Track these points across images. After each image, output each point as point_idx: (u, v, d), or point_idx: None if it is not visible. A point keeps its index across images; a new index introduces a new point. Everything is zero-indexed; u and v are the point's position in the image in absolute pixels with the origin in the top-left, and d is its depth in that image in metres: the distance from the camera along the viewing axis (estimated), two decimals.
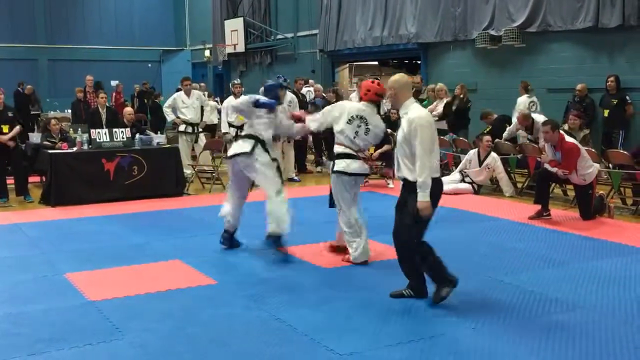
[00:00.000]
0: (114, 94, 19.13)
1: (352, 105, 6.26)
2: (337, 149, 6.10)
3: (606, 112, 10.95)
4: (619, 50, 11.41)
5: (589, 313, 4.85)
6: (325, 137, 12.69)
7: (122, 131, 10.08)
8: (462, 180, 10.24)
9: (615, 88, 10.84)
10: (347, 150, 6.05)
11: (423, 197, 4.77)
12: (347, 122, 6.01)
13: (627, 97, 10.82)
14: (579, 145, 8.13)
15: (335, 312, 4.90)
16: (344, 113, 6.05)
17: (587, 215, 8.10)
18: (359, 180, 6.28)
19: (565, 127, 9.75)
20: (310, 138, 13.11)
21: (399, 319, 4.78)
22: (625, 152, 8.88)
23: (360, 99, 6.23)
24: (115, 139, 9.94)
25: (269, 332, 4.56)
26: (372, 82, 6.22)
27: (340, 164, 6.03)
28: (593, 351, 4.18)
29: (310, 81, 16.02)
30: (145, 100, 18.62)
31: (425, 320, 4.76)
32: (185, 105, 11.72)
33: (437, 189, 4.85)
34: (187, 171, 11.13)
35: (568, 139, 8.13)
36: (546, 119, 9.89)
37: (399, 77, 5.10)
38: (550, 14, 12.28)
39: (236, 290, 5.49)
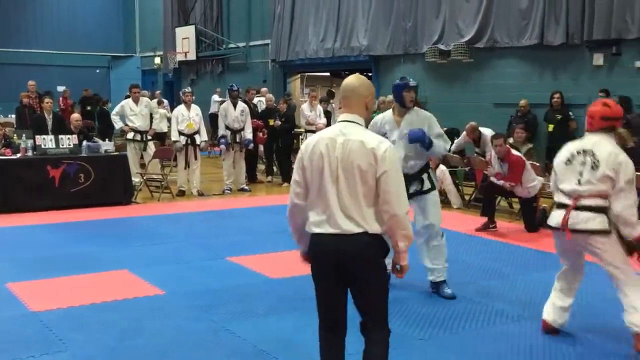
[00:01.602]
0: (60, 99, 18.69)
1: None
2: None
3: (551, 127, 11.27)
4: (562, 67, 11.77)
5: (533, 324, 4.95)
6: (277, 147, 12.72)
7: (68, 138, 9.88)
8: None
9: (560, 104, 11.17)
10: None
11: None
12: None
13: (570, 113, 11.15)
14: (524, 159, 8.34)
15: (284, 323, 4.89)
16: None
17: (531, 227, 8.30)
18: None
19: (511, 140, 9.98)
20: (261, 148, 13.11)
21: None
22: None
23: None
24: (61, 146, 9.73)
25: (218, 343, 4.52)
26: None
27: None
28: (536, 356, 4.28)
29: (263, 89, 16.01)
30: (88, 107, 18.28)
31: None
32: (133, 112, 11.56)
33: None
34: (136, 179, 10.97)
35: (514, 152, 8.34)
36: (494, 132, 10.12)
37: None
38: (498, 30, 12.59)
39: (184, 301, 5.43)
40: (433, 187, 5.73)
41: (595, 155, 4.38)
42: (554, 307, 4.73)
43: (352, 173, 3.12)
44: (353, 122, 3.24)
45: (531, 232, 8.24)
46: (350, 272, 3.17)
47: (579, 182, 4.40)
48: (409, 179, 5.46)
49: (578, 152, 4.48)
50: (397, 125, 5.56)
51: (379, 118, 5.72)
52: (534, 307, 5.34)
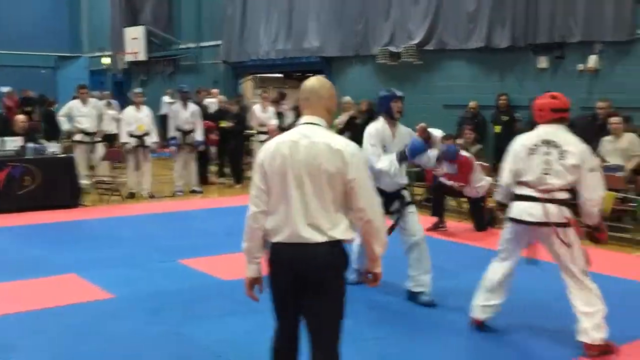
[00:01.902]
0: (5, 99, 18.19)
1: None
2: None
3: (498, 129, 11.51)
4: (508, 70, 12.04)
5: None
6: (229, 149, 12.65)
7: (13, 140, 9.63)
8: None
9: (506, 106, 11.44)
10: None
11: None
12: None
13: (516, 115, 11.42)
14: (473, 159, 8.51)
15: (237, 325, 4.88)
16: None
17: (480, 226, 8.47)
18: None
19: (460, 141, 10.16)
20: (213, 149, 13.03)
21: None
22: None
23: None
24: (5, 148, 9.49)
25: (170, 347, 4.49)
26: None
27: None
28: (485, 355, 4.38)
29: (214, 91, 15.90)
30: (29, 108, 17.83)
31: None
32: (81, 113, 11.35)
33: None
34: (84, 182, 10.77)
35: (463, 152, 8.49)
36: (443, 133, 10.29)
37: None
38: (446, 33, 12.81)
39: (136, 305, 5.37)
40: (412, 201, 5.67)
41: (560, 146, 4.39)
42: (480, 305, 4.77)
43: (319, 177, 2.96)
44: (315, 124, 3.10)
45: (480, 231, 8.41)
46: (310, 284, 2.99)
47: (547, 173, 4.39)
48: (396, 193, 5.43)
49: (542, 143, 4.45)
50: (392, 138, 5.43)
51: (378, 127, 5.43)
52: None
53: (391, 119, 5.44)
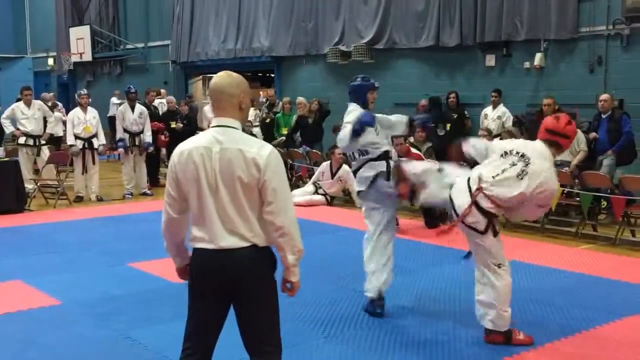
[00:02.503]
0: None
1: None
2: None
3: (448, 126, 11.63)
4: (458, 68, 12.19)
5: (430, 317, 5.11)
6: None
7: None
8: (316, 192, 10.45)
9: (455, 104, 11.57)
10: None
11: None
12: None
13: (466, 112, 11.57)
14: (423, 157, 8.58)
15: None
16: None
17: (431, 224, 8.53)
18: None
19: (411, 139, 10.25)
20: (164, 151, 12.84)
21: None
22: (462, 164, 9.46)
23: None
24: None
25: (119, 351, 4.39)
26: None
27: None
28: (436, 353, 4.41)
29: (162, 91, 15.68)
30: None
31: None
32: (25, 116, 11.02)
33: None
34: (29, 186, 10.47)
35: (414, 150, 8.57)
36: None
37: None
38: (396, 32, 12.89)
39: (83, 310, 5.24)
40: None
41: (528, 165, 4.32)
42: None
43: (234, 185, 2.86)
44: (228, 126, 2.93)
45: (431, 228, 8.46)
46: (236, 290, 2.91)
47: (494, 177, 4.36)
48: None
49: (516, 153, 4.40)
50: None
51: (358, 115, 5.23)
52: (433, 301, 5.50)
53: (365, 109, 5.35)
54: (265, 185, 2.86)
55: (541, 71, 10.87)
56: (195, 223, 2.96)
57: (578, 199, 8.11)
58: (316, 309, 5.19)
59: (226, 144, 2.89)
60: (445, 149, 11.26)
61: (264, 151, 2.88)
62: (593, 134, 9.00)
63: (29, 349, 4.44)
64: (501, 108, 10.83)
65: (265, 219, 2.90)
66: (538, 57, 10.76)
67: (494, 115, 10.82)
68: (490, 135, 9.39)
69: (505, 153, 4.44)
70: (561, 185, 8.14)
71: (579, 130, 8.89)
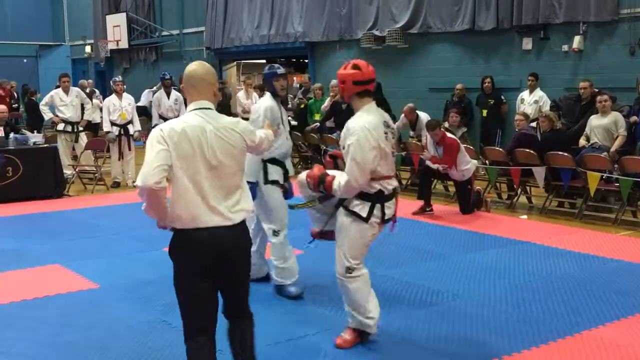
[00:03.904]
0: None
1: None
2: None
3: (484, 112, 11.49)
4: (493, 52, 12.01)
5: (469, 303, 5.07)
6: None
7: None
8: None
9: (491, 89, 11.40)
10: None
11: None
12: None
13: (502, 97, 11.40)
14: (459, 142, 8.49)
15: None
16: None
17: (466, 209, 8.47)
18: None
19: (446, 124, 10.15)
20: None
21: (278, 317, 4.80)
22: (500, 149, 9.35)
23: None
24: None
25: (155, 335, 4.45)
26: None
27: None
28: (473, 338, 4.37)
29: None
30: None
31: (305, 318, 4.76)
32: (63, 103, 11.19)
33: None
34: (68, 172, 10.65)
35: (449, 135, 8.48)
36: (429, 117, 10.29)
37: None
38: (431, 16, 12.73)
39: (119, 294, 5.32)
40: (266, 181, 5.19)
41: (391, 126, 4.15)
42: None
43: (229, 161, 3.11)
44: (208, 108, 3.18)
45: (466, 214, 8.41)
46: (229, 264, 3.13)
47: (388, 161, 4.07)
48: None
49: (387, 125, 4.08)
50: (280, 113, 5.26)
51: (271, 105, 5.14)
52: (469, 287, 5.46)
53: (275, 97, 5.31)
54: (250, 146, 3.27)
55: (580, 54, 10.64)
56: (186, 203, 3.05)
57: (617, 184, 7.94)
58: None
59: (216, 123, 3.14)
60: (484, 134, 11.05)
61: (240, 123, 3.28)
62: (634, 118, 8.78)
63: (68, 331, 4.53)
64: (538, 92, 10.64)
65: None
66: (577, 39, 10.54)
67: (530, 100, 10.63)
68: (527, 120, 9.24)
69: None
70: (600, 171, 8.00)
71: (618, 114, 8.70)
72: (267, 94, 5.32)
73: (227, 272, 3.16)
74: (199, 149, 3.04)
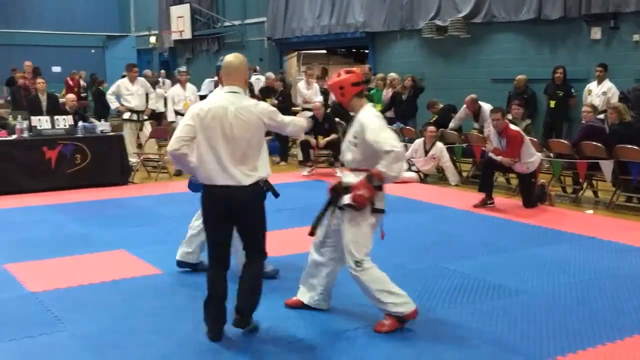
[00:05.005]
0: (69, 79, 18.43)
1: None
2: None
3: (553, 103, 11.18)
4: (560, 42, 11.68)
5: (531, 298, 4.97)
6: None
7: (64, 118, 9.82)
8: (409, 169, 10.34)
9: (562, 79, 11.07)
10: None
11: None
12: None
13: (572, 89, 11.04)
14: (523, 133, 8.30)
15: (278, 301, 4.87)
16: None
17: (530, 203, 8.29)
18: None
19: (509, 117, 9.94)
20: None
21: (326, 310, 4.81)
22: (565, 142, 9.11)
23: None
24: (56, 127, 9.68)
25: None
26: None
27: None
28: (534, 335, 4.29)
29: (258, 68, 15.90)
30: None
31: (354, 312, 4.71)
32: (129, 92, 11.47)
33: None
34: (133, 160, 10.92)
35: (513, 126, 8.30)
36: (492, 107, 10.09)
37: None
38: (495, 5, 12.48)
39: (182, 280, 5.43)
40: None
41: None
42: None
43: (244, 135, 3.94)
44: (237, 92, 4.03)
45: (529, 207, 8.23)
46: (239, 215, 4.04)
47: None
48: None
49: None
50: None
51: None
52: (532, 282, 5.36)
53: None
54: (268, 124, 4.08)
55: None
56: (208, 166, 3.96)
57: None
58: (409, 287, 5.15)
59: (238, 104, 3.99)
60: (552, 125, 10.74)
61: (259, 105, 4.07)
62: None
63: (132, 315, 4.65)
64: (607, 83, 10.31)
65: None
66: None
67: (598, 91, 10.31)
68: (595, 111, 8.97)
69: None
70: None
71: None
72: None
73: (238, 220, 4.07)
74: (219, 125, 3.93)
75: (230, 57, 4.14)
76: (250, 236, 4.17)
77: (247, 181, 3.96)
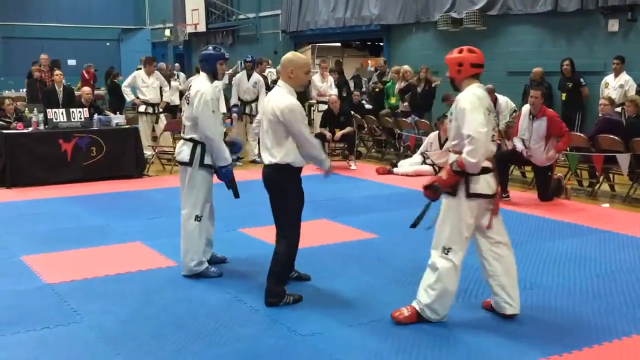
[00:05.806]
0: (84, 72, 18.54)
1: None
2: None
3: (564, 96, 11.11)
4: (577, 34, 11.58)
5: (547, 292, 4.95)
6: None
7: (79, 111, 9.88)
8: (424, 162, 10.31)
9: (570, 72, 10.99)
10: None
11: None
12: None
13: (582, 80, 10.97)
14: (558, 116, 8.18)
15: (298, 290, 4.88)
16: None
17: (545, 196, 8.24)
18: None
19: (526, 107, 9.85)
20: None
21: (357, 301, 4.81)
22: (582, 135, 9.04)
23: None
24: (72, 119, 9.74)
25: (230, 313, 4.54)
26: None
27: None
28: (550, 329, 4.27)
29: (270, 62, 15.89)
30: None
31: (387, 301, 4.76)
32: (145, 84, 11.52)
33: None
34: (148, 152, 10.97)
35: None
36: (508, 100, 10.04)
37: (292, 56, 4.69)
38: None
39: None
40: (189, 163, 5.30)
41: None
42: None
43: (270, 125, 4.50)
44: (280, 86, 4.58)
45: (545, 201, 8.18)
46: (268, 192, 4.67)
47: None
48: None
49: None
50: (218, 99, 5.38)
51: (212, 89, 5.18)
52: (548, 276, 5.33)
53: (215, 79, 5.26)
54: (285, 125, 4.46)
55: None
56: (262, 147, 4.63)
57: None
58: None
59: (271, 97, 4.59)
60: (565, 118, 10.61)
61: (281, 104, 4.46)
62: None
63: (148, 306, 4.68)
64: (624, 76, 10.21)
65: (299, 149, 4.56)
66: None
67: (615, 84, 10.22)
68: (612, 104, 8.88)
69: None
70: None
71: None
72: (203, 75, 5.23)
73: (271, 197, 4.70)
74: (264, 115, 4.59)
75: (288, 55, 4.66)
76: (275, 214, 4.78)
77: (269, 161, 4.62)
